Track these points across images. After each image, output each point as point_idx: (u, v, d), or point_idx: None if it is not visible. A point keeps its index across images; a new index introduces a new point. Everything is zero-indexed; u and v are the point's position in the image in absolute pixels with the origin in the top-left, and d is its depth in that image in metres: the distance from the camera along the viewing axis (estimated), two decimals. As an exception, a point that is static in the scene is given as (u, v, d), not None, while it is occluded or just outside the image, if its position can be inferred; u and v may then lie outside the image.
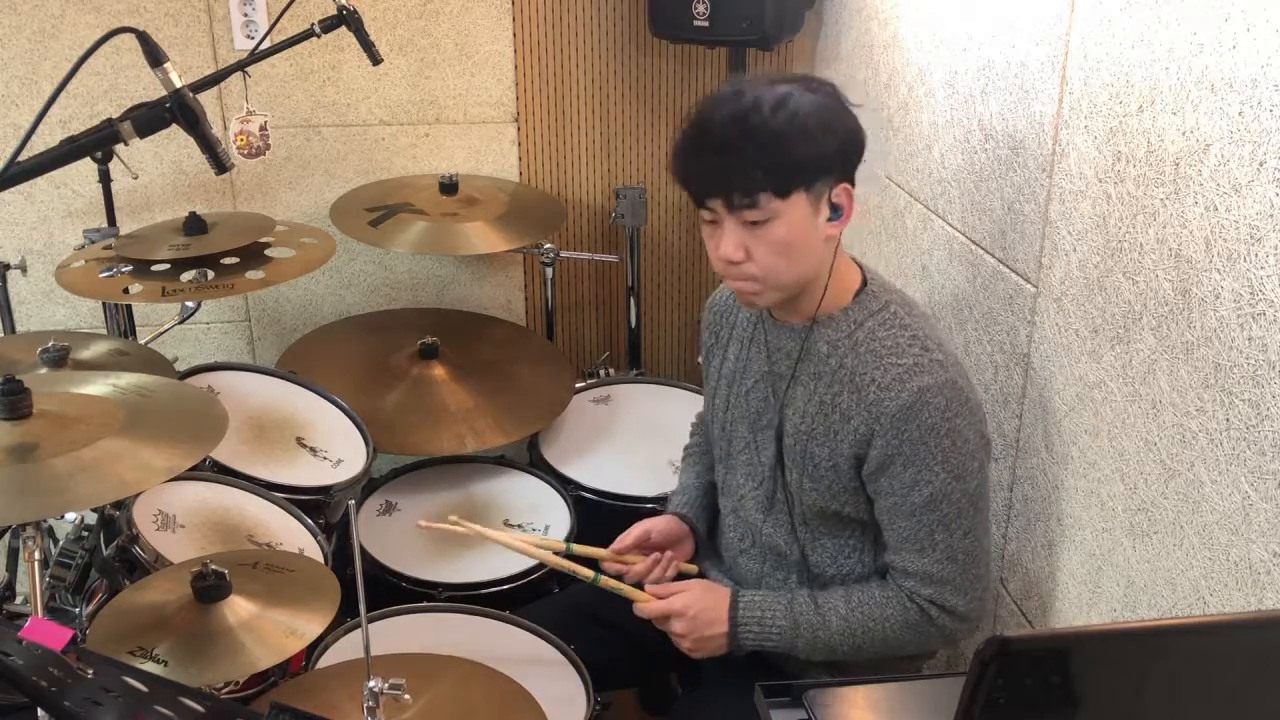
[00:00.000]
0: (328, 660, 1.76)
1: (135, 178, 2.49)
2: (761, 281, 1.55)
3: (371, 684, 1.33)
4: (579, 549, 1.84)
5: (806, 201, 1.51)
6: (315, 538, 1.98)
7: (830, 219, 1.55)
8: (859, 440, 1.58)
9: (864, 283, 1.64)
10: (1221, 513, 1.29)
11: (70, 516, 1.87)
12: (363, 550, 1.67)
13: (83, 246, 2.38)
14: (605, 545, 1.82)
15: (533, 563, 2.11)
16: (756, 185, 1.48)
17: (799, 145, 1.48)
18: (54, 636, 1.00)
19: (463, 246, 2.55)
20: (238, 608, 1.56)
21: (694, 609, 1.68)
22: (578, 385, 2.63)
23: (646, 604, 1.71)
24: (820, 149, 1.50)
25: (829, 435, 1.61)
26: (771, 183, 1.48)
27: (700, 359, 1.87)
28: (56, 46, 2.59)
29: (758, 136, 1.47)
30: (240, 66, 2.24)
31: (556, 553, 1.78)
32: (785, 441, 1.66)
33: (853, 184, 1.56)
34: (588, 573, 1.74)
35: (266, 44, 2.36)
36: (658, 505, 1.99)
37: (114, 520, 1.90)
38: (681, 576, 1.80)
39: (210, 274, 2.13)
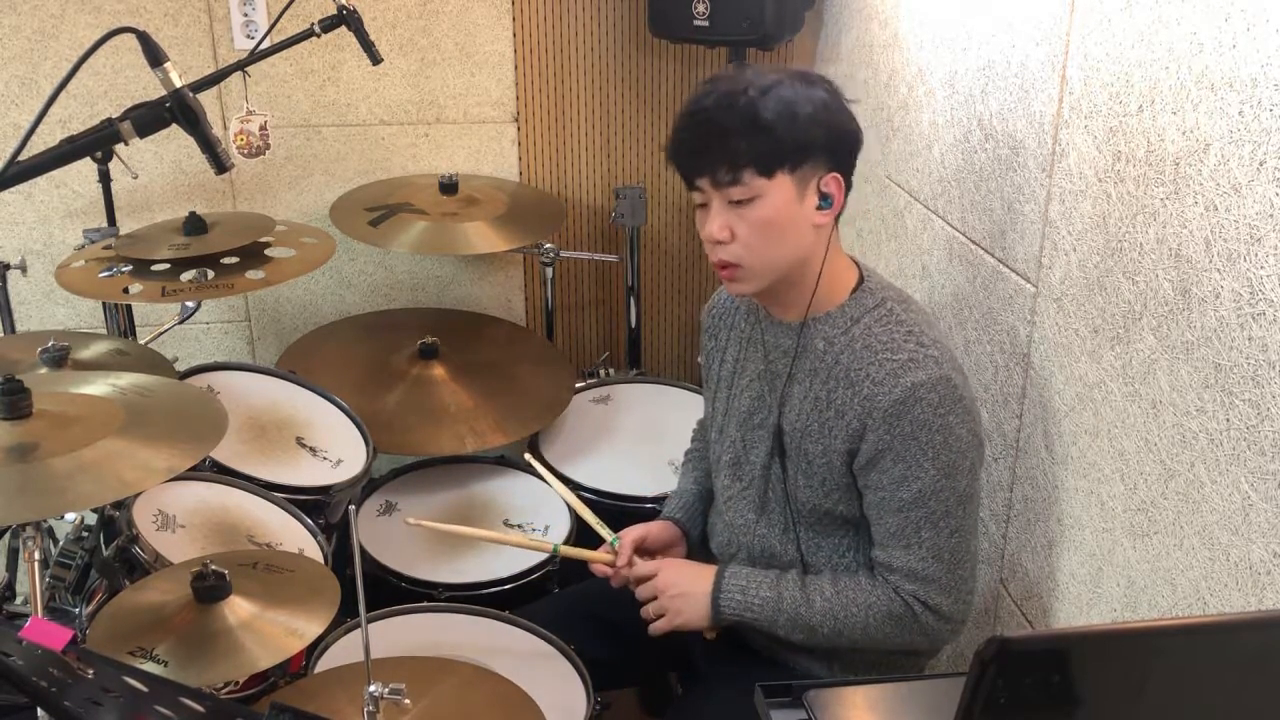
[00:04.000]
0: (328, 660, 1.76)
1: (135, 178, 2.48)
2: (744, 263, 1.57)
3: (372, 689, 1.33)
4: (566, 550, 1.85)
5: (792, 184, 1.54)
6: (315, 538, 1.97)
7: (820, 207, 1.57)
8: (852, 435, 1.58)
9: (860, 280, 1.65)
10: (1221, 513, 1.29)
11: (70, 516, 1.87)
12: (362, 550, 1.67)
13: (83, 246, 2.38)
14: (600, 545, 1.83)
15: (533, 563, 2.12)
16: (741, 161, 1.51)
17: (782, 125, 1.51)
18: (54, 636, 1.00)
19: (463, 246, 2.55)
20: (238, 608, 1.56)
21: (676, 571, 1.73)
22: (578, 385, 2.63)
23: (638, 566, 1.76)
24: (804, 133, 1.53)
25: (823, 431, 1.61)
26: (754, 160, 1.51)
27: (701, 360, 1.87)
28: (56, 46, 2.59)
29: (744, 114, 1.51)
30: (240, 66, 2.24)
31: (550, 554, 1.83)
32: (783, 439, 1.66)
33: (847, 176, 1.58)
34: (548, 545, 1.89)
35: (266, 44, 2.36)
36: (657, 505, 1.99)
37: (114, 520, 1.90)
38: None
39: (210, 274, 2.13)
